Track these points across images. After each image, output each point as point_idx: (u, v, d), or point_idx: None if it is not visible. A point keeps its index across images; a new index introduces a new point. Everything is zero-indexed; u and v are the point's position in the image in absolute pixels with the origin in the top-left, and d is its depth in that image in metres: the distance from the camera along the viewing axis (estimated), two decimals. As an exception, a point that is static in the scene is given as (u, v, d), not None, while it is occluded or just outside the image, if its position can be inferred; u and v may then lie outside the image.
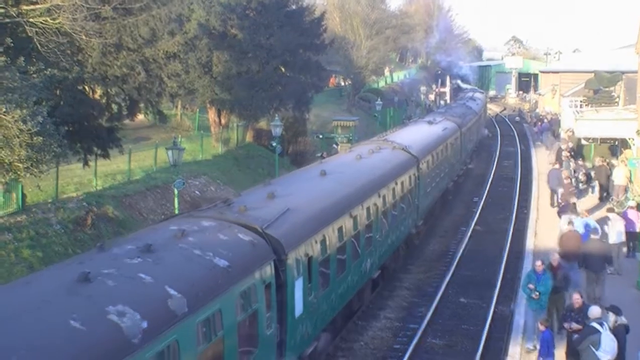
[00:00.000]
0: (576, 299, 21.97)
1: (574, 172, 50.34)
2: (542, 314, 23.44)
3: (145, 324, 13.47)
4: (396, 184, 34.25)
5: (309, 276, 22.05)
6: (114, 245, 16.92)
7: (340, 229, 25.21)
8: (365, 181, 30.21)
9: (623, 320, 20.86)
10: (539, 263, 24.25)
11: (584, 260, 29.80)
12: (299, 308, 21.21)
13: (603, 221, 34.55)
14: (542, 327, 21.61)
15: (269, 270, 19.11)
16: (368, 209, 28.98)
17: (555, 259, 25.58)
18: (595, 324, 19.82)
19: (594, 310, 20.53)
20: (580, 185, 48.08)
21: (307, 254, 21.77)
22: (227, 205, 22.08)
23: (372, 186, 30.38)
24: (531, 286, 23.64)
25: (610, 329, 20.19)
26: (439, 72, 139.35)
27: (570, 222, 32.17)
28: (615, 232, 33.60)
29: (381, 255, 31.51)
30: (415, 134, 47.63)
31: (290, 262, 20.24)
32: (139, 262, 15.50)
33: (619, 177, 47.77)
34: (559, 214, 37.95)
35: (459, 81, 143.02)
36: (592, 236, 30.99)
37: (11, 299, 13.61)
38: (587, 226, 32.94)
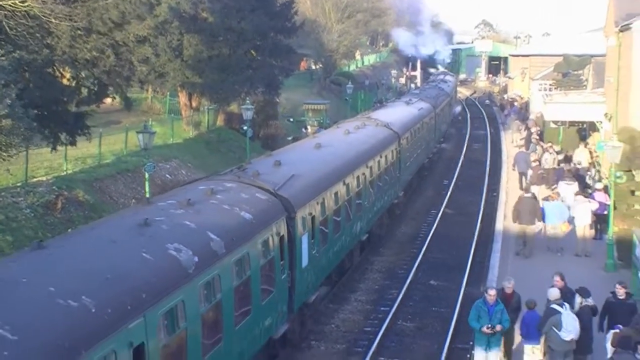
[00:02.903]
0: (557, 280, 21.98)
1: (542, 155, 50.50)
2: (496, 352, 20.38)
3: (196, 259, 16.79)
4: (381, 157, 37.48)
5: (312, 233, 25.28)
6: (157, 200, 20.55)
7: (336, 194, 28.56)
8: (354, 153, 33.46)
9: (589, 302, 21.12)
10: (492, 293, 20.36)
11: (517, 216, 34.11)
12: (305, 260, 24.47)
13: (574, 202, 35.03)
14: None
15: (282, 224, 22.52)
16: (358, 178, 32.28)
17: (509, 286, 22.04)
18: (555, 306, 20.02)
19: (553, 293, 20.81)
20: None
21: (310, 213, 25.07)
22: (241, 170, 25.31)
23: (361, 158, 33.70)
24: (487, 330, 19.72)
25: (574, 309, 20.33)
26: (410, 55, 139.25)
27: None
28: (581, 213, 33.81)
29: (368, 220, 34.79)
30: (395, 113, 50.53)
31: (298, 219, 23.57)
32: (182, 212, 18.85)
33: (580, 158, 48.59)
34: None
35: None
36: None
37: (86, 239, 16.88)
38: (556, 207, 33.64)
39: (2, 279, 13.12)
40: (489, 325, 19.61)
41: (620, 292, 21.15)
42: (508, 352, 21.30)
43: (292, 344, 24.52)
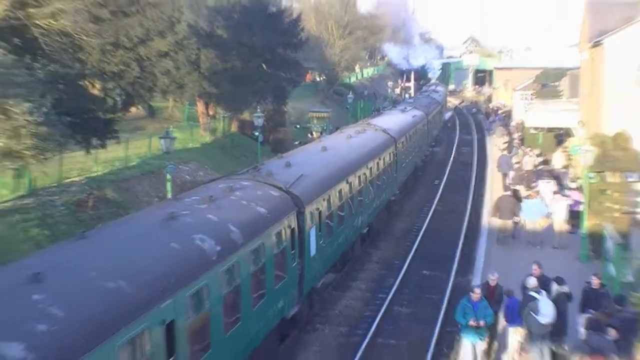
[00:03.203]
0: (535, 269, 22.09)
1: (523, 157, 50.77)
2: (481, 343, 20.20)
3: (218, 248, 17.23)
4: (379, 159, 37.71)
5: (319, 226, 25.62)
6: (183, 197, 20.99)
7: (340, 192, 28.88)
8: (356, 156, 33.80)
9: (565, 289, 21.15)
10: (477, 291, 20.07)
11: (497, 211, 34.73)
12: (313, 249, 24.83)
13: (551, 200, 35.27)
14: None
15: (292, 218, 22.89)
16: (359, 177, 32.55)
17: (493, 279, 21.79)
18: (532, 293, 20.13)
19: (530, 281, 20.95)
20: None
21: (317, 208, 25.44)
22: (256, 170, 25.73)
23: (361, 160, 33.97)
24: (473, 323, 19.56)
25: (551, 295, 20.43)
26: (404, 70, 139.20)
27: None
28: (558, 210, 34.10)
29: (369, 215, 34.98)
30: (392, 119, 50.74)
31: (307, 213, 23.98)
32: (205, 207, 19.26)
33: (557, 161, 48.83)
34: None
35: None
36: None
37: (121, 230, 17.30)
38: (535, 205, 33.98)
39: (51, 264, 13.36)
40: (475, 319, 19.48)
41: (595, 283, 21.30)
42: (493, 336, 21.11)
43: (301, 325, 24.88)
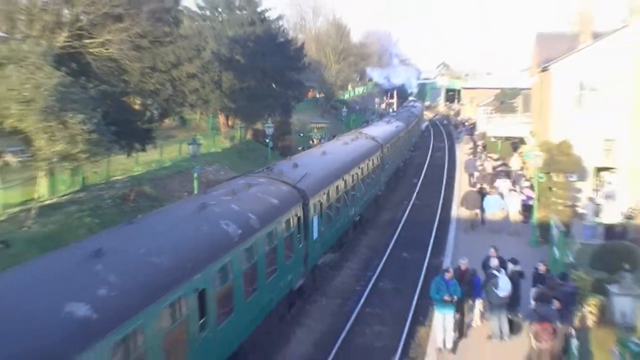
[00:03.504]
0: (493, 252, 22.20)
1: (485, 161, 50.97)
2: (451, 314, 19.62)
3: (240, 231, 17.54)
4: (369, 161, 37.90)
5: (320, 215, 25.78)
6: (210, 191, 21.14)
7: (337, 187, 29.10)
8: (350, 158, 33.96)
9: (518, 268, 21.35)
10: (450, 272, 19.65)
11: (465, 202, 35.37)
12: (315, 234, 24.98)
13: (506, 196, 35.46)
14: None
15: (299, 208, 23.14)
16: (352, 176, 32.72)
17: (464, 263, 21.12)
18: (494, 271, 20.29)
19: (492, 261, 21.11)
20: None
21: (319, 201, 25.68)
22: (269, 169, 25.96)
23: (354, 161, 34.13)
24: (447, 298, 19.11)
25: (508, 273, 20.60)
26: (388, 88, 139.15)
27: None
28: (513, 204, 34.39)
29: (360, 206, 35.13)
30: (379, 129, 50.99)
31: (310, 205, 24.19)
32: (229, 199, 19.52)
33: (514, 164, 49.15)
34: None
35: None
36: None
37: (162, 217, 17.53)
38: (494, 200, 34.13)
39: (108, 243, 13.63)
40: (448, 295, 19.12)
41: (542, 269, 21.38)
42: (462, 311, 20.57)
43: (306, 295, 25.13)
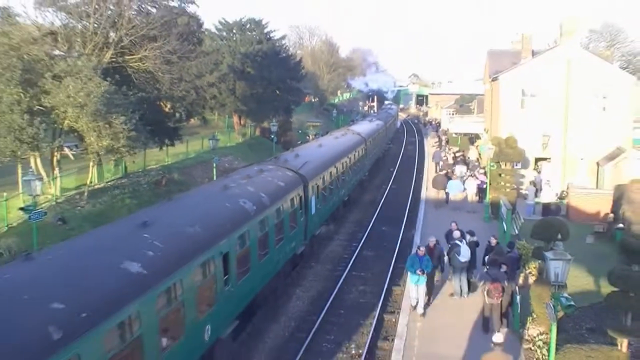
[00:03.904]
0: (453, 226, 22.30)
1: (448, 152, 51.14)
2: (423, 285, 19.05)
3: (255, 207, 17.70)
4: (355, 151, 37.80)
5: (317, 195, 25.83)
6: (231, 175, 21.54)
7: (330, 173, 29.14)
8: (341, 149, 34.00)
9: (474, 238, 21.47)
10: (422, 249, 19.16)
11: (434, 184, 36.15)
12: (313, 210, 25.06)
13: (465, 181, 35.63)
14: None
15: (300, 190, 23.30)
16: (343, 163, 32.74)
17: (432, 241, 20.60)
18: (457, 241, 20.42)
19: (455, 233, 21.19)
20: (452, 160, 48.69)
21: (316, 183, 25.77)
22: (276, 159, 26.17)
23: (344, 152, 34.14)
24: (419, 273, 18.73)
25: (467, 243, 20.72)
26: (370, 94, 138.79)
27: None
28: (470, 187, 34.53)
29: (348, 188, 35.20)
30: (363, 127, 50.87)
31: (310, 187, 24.34)
32: (245, 182, 19.64)
33: (472, 155, 49.23)
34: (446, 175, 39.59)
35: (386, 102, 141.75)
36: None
37: (193, 196, 17.67)
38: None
39: (153, 216, 13.88)
40: (421, 269, 18.70)
41: (493, 242, 21.33)
42: (431, 285, 20.16)
43: (305, 259, 25.44)
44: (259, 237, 17.82)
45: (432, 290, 20.30)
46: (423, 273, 18.77)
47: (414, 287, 19.18)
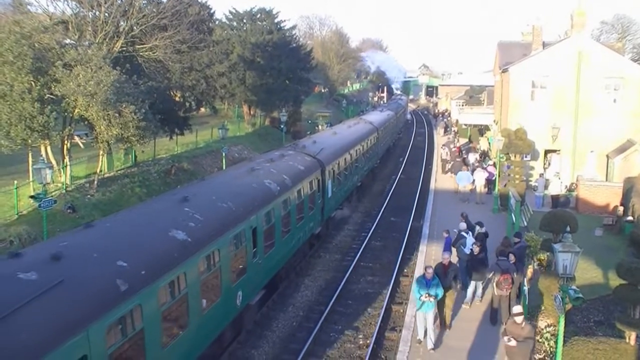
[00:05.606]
0: (460, 218, 22.26)
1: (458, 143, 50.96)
2: (430, 313, 15.84)
3: (278, 188, 18.75)
4: (368, 140, 38.25)
5: (333, 179, 26.68)
6: (256, 158, 22.76)
7: (345, 159, 29.86)
8: (354, 137, 34.61)
9: (483, 230, 21.37)
10: (429, 271, 15.77)
11: (451, 169, 36.61)
12: (329, 193, 25.93)
13: (474, 172, 35.49)
14: (445, 235, 21.53)
15: (318, 174, 24.20)
16: (356, 151, 33.34)
17: (446, 258, 17.18)
18: (463, 233, 20.36)
19: (462, 225, 21.12)
20: (463, 153, 48.55)
21: (332, 169, 26.58)
22: (296, 145, 27.09)
23: (357, 140, 34.70)
24: (425, 298, 15.51)
25: (474, 235, 20.65)
26: (380, 84, 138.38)
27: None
28: (479, 178, 34.37)
29: (361, 174, 35.89)
30: (375, 116, 51.31)
31: (327, 171, 25.27)
32: (269, 165, 20.62)
33: (483, 145, 49.14)
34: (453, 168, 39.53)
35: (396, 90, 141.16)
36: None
37: (224, 176, 18.96)
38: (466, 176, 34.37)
39: (192, 192, 15.15)
40: (427, 294, 15.49)
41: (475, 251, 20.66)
42: (448, 310, 17.25)
43: (322, 238, 26.81)
44: (282, 216, 19.02)
45: (446, 318, 17.21)
46: (429, 297, 15.64)
47: (420, 315, 16.09)
